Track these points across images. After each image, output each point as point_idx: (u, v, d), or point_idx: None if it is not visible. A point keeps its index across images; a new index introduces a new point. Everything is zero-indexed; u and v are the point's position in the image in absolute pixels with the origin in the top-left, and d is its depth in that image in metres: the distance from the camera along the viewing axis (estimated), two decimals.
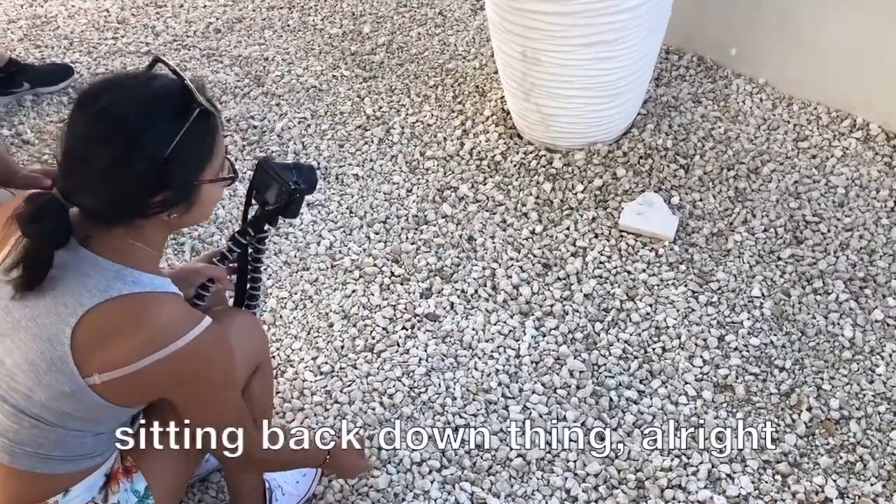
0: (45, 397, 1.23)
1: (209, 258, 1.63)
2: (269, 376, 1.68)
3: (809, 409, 2.00)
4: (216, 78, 3.24)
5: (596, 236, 2.47)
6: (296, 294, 2.37)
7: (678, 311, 2.24)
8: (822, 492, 1.84)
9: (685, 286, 2.30)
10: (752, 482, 1.86)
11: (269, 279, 2.42)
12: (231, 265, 1.63)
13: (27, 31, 3.57)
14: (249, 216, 1.56)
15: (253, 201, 1.54)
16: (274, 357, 2.18)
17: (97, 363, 1.20)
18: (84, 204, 1.22)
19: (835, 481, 1.85)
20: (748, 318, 2.21)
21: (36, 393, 1.23)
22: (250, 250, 1.61)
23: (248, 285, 1.65)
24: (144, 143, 1.18)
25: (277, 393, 2.08)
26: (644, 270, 2.36)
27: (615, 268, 2.38)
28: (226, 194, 2.71)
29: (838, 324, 2.18)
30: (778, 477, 1.87)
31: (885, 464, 1.88)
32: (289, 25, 3.55)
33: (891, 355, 2.10)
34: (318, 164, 2.83)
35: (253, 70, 3.28)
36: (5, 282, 1.22)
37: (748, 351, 2.13)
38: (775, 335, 2.17)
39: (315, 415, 2.04)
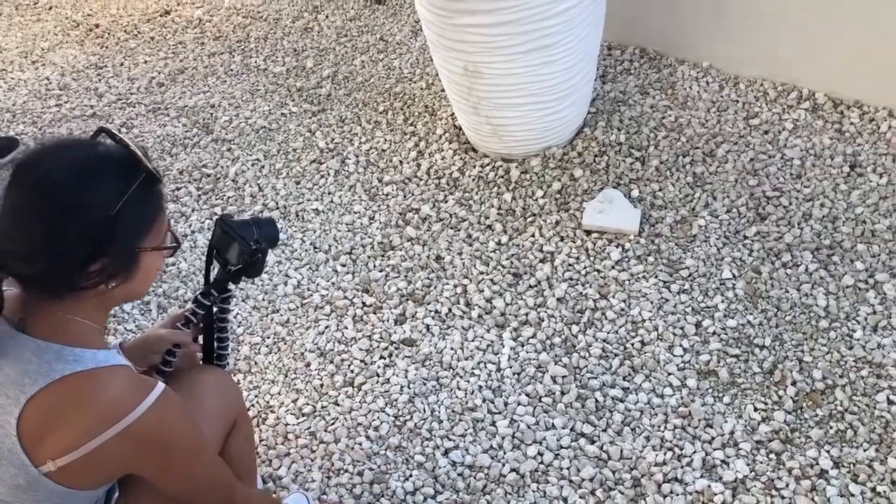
0: (2, 492, 1.18)
1: (173, 323, 1.59)
2: (249, 430, 1.65)
3: (794, 383, 1.99)
4: (164, 131, 3.21)
5: (562, 239, 2.47)
6: (268, 338, 2.34)
7: (652, 303, 2.24)
8: (817, 464, 1.83)
9: (656, 277, 2.30)
10: (748, 464, 1.85)
11: (239, 326, 2.38)
12: (197, 327, 1.60)
13: None
14: (212, 276, 1.54)
15: (214, 261, 1.51)
16: (253, 405, 2.14)
17: (49, 450, 1.15)
18: (22, 272, 1.18)
19: (828, 452, 1.85)
20: (722, 301, 2.21)
21: None
22: (215, 310, 1.58)
23: (216, 344, 1.62)
24: (81, 208, 1.15)
25: (261, 441, 2.05)
26: (613, 267, 2.35)
27: (585, 268, 2.37)
28: (186, 246, 2.67)
29: (811, 294, 2.19)
30: (772, 456, 1.86)
31: (875, 427, 1.88)
32: (231, 70, 3.53)
33: (866, 318, 2.10)
34: (277, 203, 2.81)
35: (200, 119, 3.26)
36: None
37: (726, 333, 2.13)
38: (751, 314, 2.16)
39: (302, 458, 2.00)
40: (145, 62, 3.67)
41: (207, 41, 3.74)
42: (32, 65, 3.76)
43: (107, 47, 3.82)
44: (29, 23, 4.13)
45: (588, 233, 2.46)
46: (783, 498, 1.78)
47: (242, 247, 1.43)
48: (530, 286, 2.35)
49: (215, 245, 1.48)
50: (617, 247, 2.40)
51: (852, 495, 1.76)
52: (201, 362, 1.66)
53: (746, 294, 2.22)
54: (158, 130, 3.22)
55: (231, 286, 1.53)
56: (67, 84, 3.59)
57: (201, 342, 1.63)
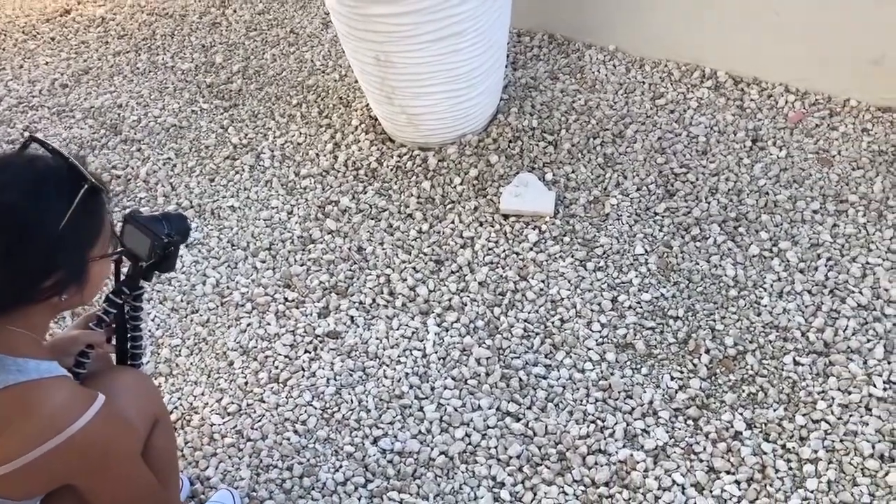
0: None
1: (85, 323, 1.56)
2: (170, 428, 1.62)
3: (707, 351, 2.07)
4: (70, 134, 3.11)
5: (481, 224, 2.50)
6: (189, 339, 2.30)
7: (570, 281, 2.29)
8: (732, 426, 1.91)
9: (572, 257, 2.35)
10: (667, 432, 1.92)
11: (158, 328, 2.33)
12: (110, 327, 1.57)
13: None
14: (122, 274, 1.51)
15: (123, 258, 1.48)
16: (176, 407, 2.10)
17: None
18: None
19: (741, 414, 1.93)
20: (636, 276, 2.28)
21: None
22: (127, 308, 1.55)
23: (130, 344, 1.59)
24: (34, 228, 1.14)
25: (187, 443, 2.01)
26: (531, 249, 2.40)
27: (504, 251, 2.41)
28: None
29: (720, 265, 2.28)
30: (690, 422, 1.94)
31: (783, 388, 1.97)
32: (138, 68, 3.44)
33: (772, 285, 2.20)
34: (191, 202, 2.75)
35: (108, 119, 3.17)
36: None
37: (641, 307, 2.20)
38: (664, 287, 2.24)
39: (229, 457, 1.98)
40: (46, 63, 3.54)
41: (112, 40, 3.63)
42: None
43: (3, 49, 3.67)
44: None
45: (506, 217, 2.50)
46: (701, 461, 1.85)
47: (154, 241, 1.41)
48: (452, 272, 2.38)
49: (125, 242, 1.45)
50: (534, 229, 2.45)
51: (765, 453, 1.85)
52: (115, 363, 1.62)
53: (659, 268, 2.29)
54: (64, 133, 3.11)
55: (143, 283, 1.50)
56: None
57: (115, 342, 1.60)
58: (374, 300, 2.34)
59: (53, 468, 1.18)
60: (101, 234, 1.25)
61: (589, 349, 2.11)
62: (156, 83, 3.34)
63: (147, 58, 3.50)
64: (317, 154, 2.87)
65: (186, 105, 3.19)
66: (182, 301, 2.41)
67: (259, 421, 2.05)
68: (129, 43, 3.60)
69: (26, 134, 3.13)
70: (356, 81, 2.96)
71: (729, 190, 2.48)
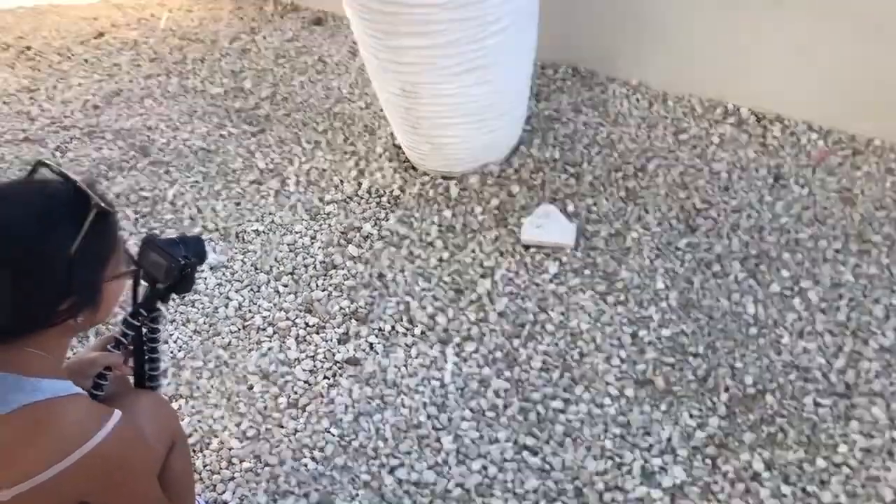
0: None
1: (103, 345, 1.58)
2: (186, 451, 1.64)
3: (727, 389, 2.07)
4: (100, 155, 3.17)
5: (501, 255, 2.51)
6: (210, 362, 2.32)
7: (590, 315, 2.29)
8: (751, 467, 1.90)
9: (593, 290, 2.36)
10: (685, 470, 1.91)
11: (180, 350, 2.36)
12: (127, 349, 1.59)
13: None
14: (139, 297, 1.53)
15: (142, 280, 1.51)
16: (196, 430, 2.12)
17: (4, 478, 1.15)
18: None
19: (760, 455, 1.92)
20: (657, 312, 2.28)
21: None
22: (145, 331, 1.57)
23: (148, 366, 1.61)
24: (46, 255, 1.16)
25: (205, 466, 2.03)
26: (552, 281, 2.41)
27: (524, 282, 2.42)
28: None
29: (741, 303, 2.27)
30: (708, 461, 1.93)
31: (803, 429, 1.96)
32: (168, 91, 3.50)
33: (792, 324, 2.19)
34: (217, 225, 2.79)
35: (137, 141, 3.22)
36: None
37: (661, 343, 2.20)
38: (685, 323, 2.24)
39: (247, 482, 1.99)
40: (79, 85, 3.61)
41: (143, 63, 3.70)
42: None
43: (39, 70, 3.75)
44: None
45: (526, 247, 2.51)
46: (719, 501, 1.84)
47: (171, 263, 1.43)
48: (472, 301, 2.39)
49: (142, 265, 1.48)
50: (555, 261, 2.46)
51: (784, 496, 1.83)
52: (133, 385, 1.64)
53: (679, 304, 2.29)
54: (94, 154, 3.17)
55: (160, 305, 1.52)
56: None
57: (133, 364, 1.62)
58: (393, 327, 2.35)
59: (69, 485, 1.19)
60: (112, 254, 1.26)
61: (608, 384, 2.11)
62: (185, 107, 3.40)
63: (177, 81, 3.56)
64: (341, 180, 2.90)
65: (215, 129, 3.24)
66: (204, 323, 2.44)
67: (277, 446, 2.06)
68: (160, 66, 3.67)
69: (58, 153, 3.20)
70: (381, 110, 3.00)
71: (751, 227, 2.48)
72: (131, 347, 1.59)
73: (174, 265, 1.43)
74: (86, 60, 3.78)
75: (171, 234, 2.78)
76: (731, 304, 2.27)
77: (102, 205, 1.22)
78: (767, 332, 2.19)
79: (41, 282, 1.16)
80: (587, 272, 2.42)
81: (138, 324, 1.53)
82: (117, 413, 1.24)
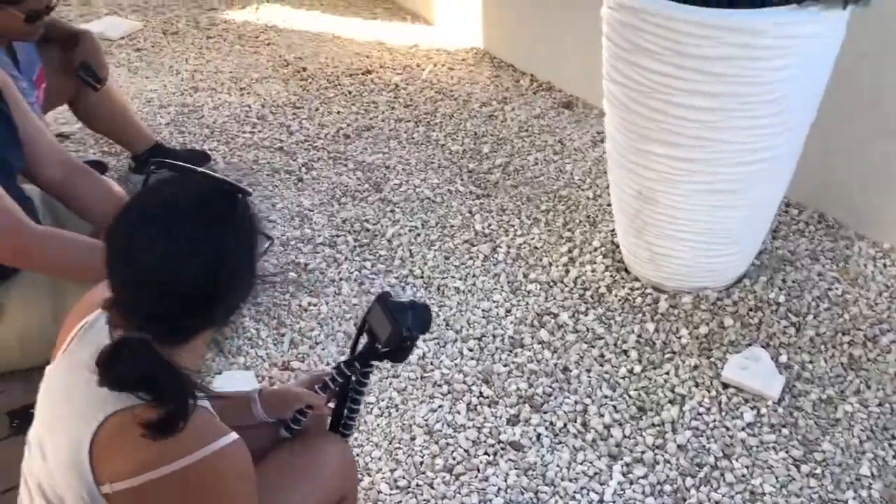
0: (69, 499, 1.20)
1: (311, 384, 1.63)
2: None
3: None
4: (339, 180, 3.38)
5: (696, 385, 2.38)
6: (382, 401, 2.37)
7: (777, 478, 2.11)
8: None
9: (787, 452, 2.17)
10: None
11: None
12: (333, 392, 1.64)
13: (174, 116, 3.86)
14: (359, 348, 1.57)
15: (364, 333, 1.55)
16: None
17: (110, 472, 1.15)
18: (154, 332, 1.17)
19: None
20: (854, 499, 2.05)
21: (65, 494, 1.20)
22: (353, 380, 1.60)
23: (346, 412, 1.63)
24: (216, 262, 1.18)
25: None
26: (744, 429, 2.24)
27: (713, 421, 2.27)
28: (331, 292, 2.77)
29: None
30: None
31: None
32: (413, 138, 3.69)
33: None
34: (423, 272, 2.88)
35: (374, 176, 3.42)
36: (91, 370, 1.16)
37: None
38: None
39: None
40: (338, 112, 3.90)
41: (398, 107, 3.94)
42: (240, 91, 4.09)
43: (308, 90, 4.10)
44: (246, 53, 4.51)
45: (725, 386, 2.37)
46: None
47: (394, 330, 1.45)
48: (653, 424, 2.28)
49: (369, 320, 1.52)
50: (752, 408, 2.30)
51: None
52: (328, 427, 1.68)
53: (883, 498, 2.05)
54: (333, 178, 3.40)
55: (374, 363, 1.56)
56: (265, 115, 3.87)
57: (333, 407, 1.66)
58: (565, 425, 2.29)
59: (162, 496, 1.16)
60: (258, 251, 1.27)
61: None
62: (424, 155, 3.56)
63: (423, 131, 3.75)
64: (550, 263, 2.90)
65: (445, 183, 3.37)
66: (386, 362, 2.50)
67: None
68: (411, 113, 3.88)
69: (303, 170, 3.46)
70: (609, 205, 2.98)
71: None
72: (336, 390, 1.63)
73: (396, 334, 1.45)
74: (349, 92, 4.08)
75: (380, 269, 2.90)
76: None
77: (243, 187, 1.24)
78: None
79: (201, 292, 1.18)
80: (785, 431, 2.23)
81: (349, 373, 1.58)
82: (232, 435, 1.20)
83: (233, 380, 2.41)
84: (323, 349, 2.57)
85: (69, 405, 1.22)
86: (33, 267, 1.98)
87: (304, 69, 4.30)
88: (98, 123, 3.18)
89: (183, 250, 1.16)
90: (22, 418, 2.04)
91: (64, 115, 3.59)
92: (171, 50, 4.55)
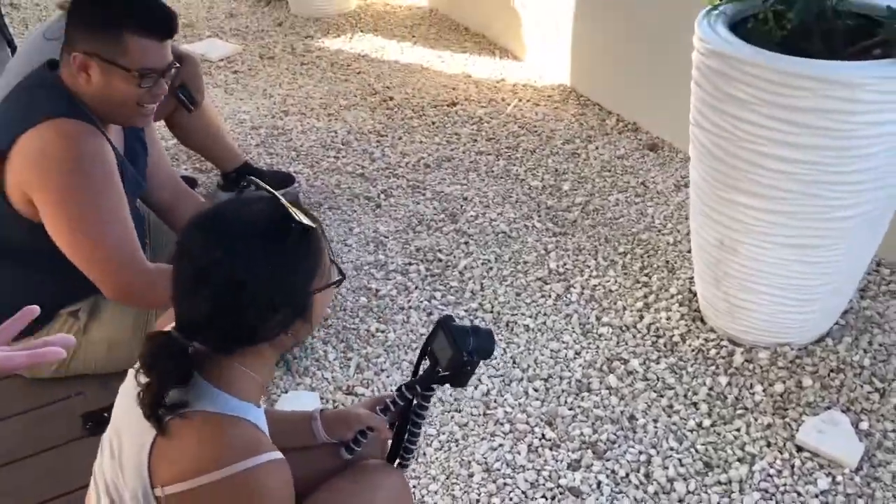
0: (128, 499, 1.26)
1: (373, 405, 1.65)
2: None
3: None
4: (416, 208, 3.42)
5: (768, 445, 2.29)
6: (443, 434, 2.36)
7: None
8: None
9: None
10: None
11: None
12: (394, 415, 1.64)
13: (265, 138, 3.98)
14: (420, 371, 1.58)
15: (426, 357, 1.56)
16: None
17: (162, 475, 1.20)
18: (204, 341, 1.25)
19: None
20: None
21: (125, 494, 1.26)
22: (414, 403, 1.60)
23: (406, 438, 1.63)
24: (244, 278, 1.22)
25: None
26: (817, 496, 2.14)
27: (784, 485, 2.17)
28: (399, 320, 2.79)
29: None
30: None
31: None
32: (493, 171, 3.70)
33: None
34: (493, 307, 2.87)
35: (450, 207, 3.44)
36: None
37: None
38: None
39: None
40: (420, 142, 3.95)
41: (480, 140, 3.96)
42: (328, 117, 4.19)
43: (393, 119, 4.17)
44: (337, 81, 4.63)
45: (799, 449, 2.26)
46: None
47: (455, 355, 1.45)
48: (720, 482, 2.19)
49: (431, 343, 1.52)
50: (827, 475, 2.19)
51: None
52: (387, 452, 1.68)
53: None
54: (411, 206, 3.43)
55: (435, 386, 1.56)
56: (349, 141, 3.95)
57: (394, 432, 1.66)
58: (627, 475, 2.23)
59: (207, 501, 1.19)
60: (319, 267, 1.30)
61: None
62: (502, 189, 3.56)
63: (504, 165, 3.76)
64: (624, 307, 2.85)
65: (521, 218, 3.36)
66: (450, 395, 2.49)
67: None
68: (493, 146, 3.90)
69: (381, 196, 3.51)
70: (688, 251, 2.91)
71: None
72: (398, 413, 1.63)
73: (457, 358, 1.45)
74: (433, 123, 4.13)
75: (449, 300, 2.90)
76: None
77: (305, 222, 1.26)
78: None
79: (254, 295, 1.22)
80: (861, 502, 2.11)
81: (410, 397, 1.58)
82: (275, 453, 1.23)
83: (298, 400, 2.44)
84: (388, 377, 2.58)
85: (138, 409, 1.27)
86: (144, 305, 2.07)
87: (391, 98, 4.38)
88: (191, 141, 3.31)
89: (228, 259, 1.22)
90: (96, 421, 2.12)
91: (160, 131, 3.75)
92: (267, 74, 4.71)
